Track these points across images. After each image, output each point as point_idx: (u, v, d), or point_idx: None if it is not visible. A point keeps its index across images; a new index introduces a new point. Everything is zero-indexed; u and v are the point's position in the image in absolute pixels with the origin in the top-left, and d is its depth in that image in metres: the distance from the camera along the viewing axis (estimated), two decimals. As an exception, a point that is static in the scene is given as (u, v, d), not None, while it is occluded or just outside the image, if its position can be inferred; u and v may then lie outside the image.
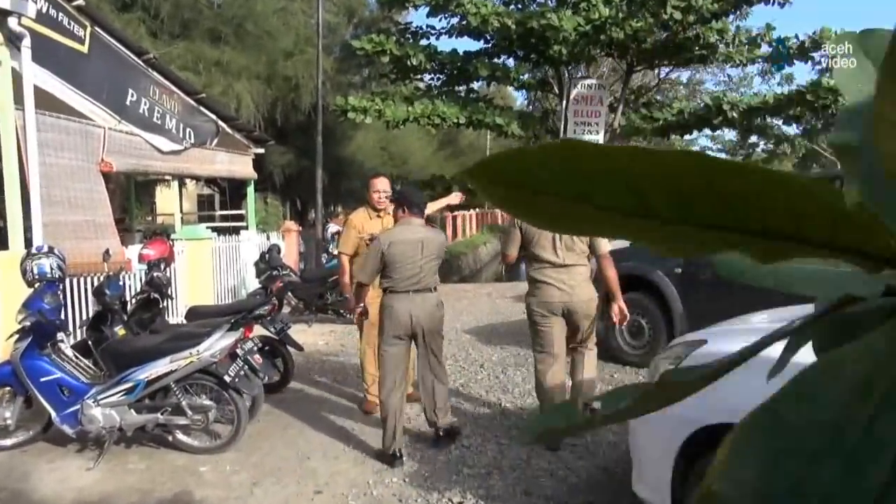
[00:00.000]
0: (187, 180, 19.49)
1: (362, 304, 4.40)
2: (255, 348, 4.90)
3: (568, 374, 4.58)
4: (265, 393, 5.59)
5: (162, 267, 5.95)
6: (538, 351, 4.43)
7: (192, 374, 4.24)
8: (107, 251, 5.25)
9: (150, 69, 8.46)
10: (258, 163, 12.98)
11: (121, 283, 5.42)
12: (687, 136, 15.03)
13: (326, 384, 6.14)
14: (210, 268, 9.29)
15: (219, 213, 19.00)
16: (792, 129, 18.27)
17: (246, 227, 11.20)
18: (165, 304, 6.01)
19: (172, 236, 9.07)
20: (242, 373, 4.34)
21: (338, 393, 5.80)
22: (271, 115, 13.12)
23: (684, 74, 20.02)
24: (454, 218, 29.11)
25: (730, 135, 54.72)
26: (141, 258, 6.06)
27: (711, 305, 5.73)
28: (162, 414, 4.25)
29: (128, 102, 7.96)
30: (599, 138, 13.93)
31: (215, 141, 9.93)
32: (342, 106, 11.55)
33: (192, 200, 27.35)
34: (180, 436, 4.37)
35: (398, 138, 25.77)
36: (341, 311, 9.20)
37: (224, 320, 4.78)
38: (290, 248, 11.69)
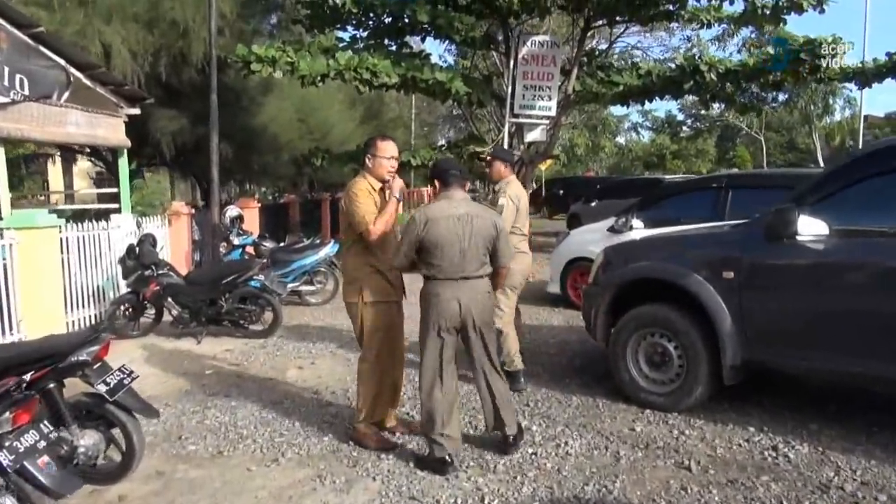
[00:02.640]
0: (79, 154, 16.47)
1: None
2: (43, 442, 2.69)
3: None
4: (95, 483, 3.42)
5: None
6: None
7: None
8: None
9: (-52, -16, 5.87)
10: (139, 129, 10.40)
11: None
12: (618, 109, 13.31)
13: (204, 459, 3.94)
14: (57, 267, 6.82)
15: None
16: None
17: (119, 210, 8.68)
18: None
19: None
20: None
21: (221, 482, 3.62)
22: (154, 69, 10.44)
23: (623, 41, 18.32)
24: (409, 194, 26.96)
25: (659, 112, 54.50)
26: None
27: (788, 327, 3.90)
28: None
29: None
30: (552, 105, 12.05)
31: (66, 95, 7.37)
32: (244, 56, 9.13)
33: (88, 178, 23.81)
34: None
35: (318, 110, 23.24)
36: (241, 321, 6.94)
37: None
38: (177, 238, 9.25)
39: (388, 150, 3.89)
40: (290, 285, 8.67)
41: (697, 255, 4.32)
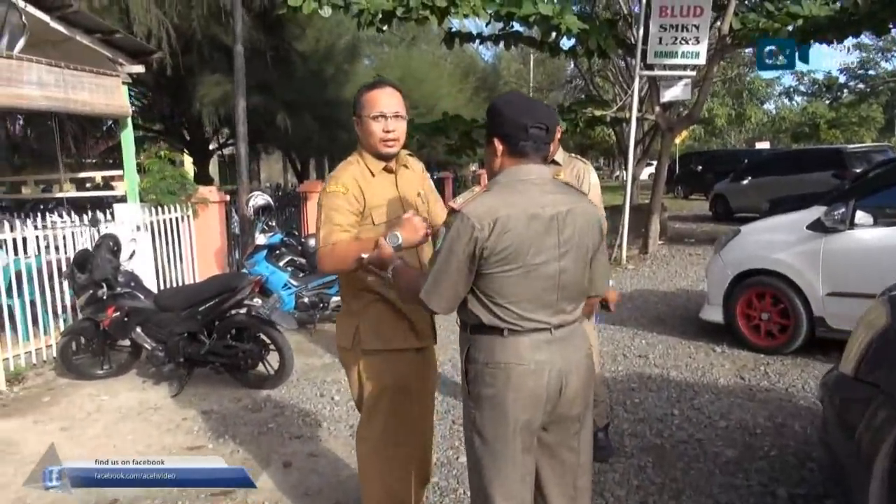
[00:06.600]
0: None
1: None
2: None
3: None
4: None
5: None
6: None
7: None
8: None
9: None
10: (176, 96, 8.49)
11: None
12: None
13: None
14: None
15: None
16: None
17: (124, 199, 6.76)
18: None
19: None
20: None
21: None
22: (186, 22, 8.40)
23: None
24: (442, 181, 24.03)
25: (819, 74, 47.86)
26: None
27: None
28: None
29: None
30: (701, 50, 8.96)
31: (21, 43, 5.44)
32: (281, -10, 6.93)
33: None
34: None
35: (423, 82, 21.07)
36: (241, 361, 4.69)
37: None
38: (206, 234, 7.21)
39: (376, 104, 2.23)
40: (334, 298, 6.43)
41: None
